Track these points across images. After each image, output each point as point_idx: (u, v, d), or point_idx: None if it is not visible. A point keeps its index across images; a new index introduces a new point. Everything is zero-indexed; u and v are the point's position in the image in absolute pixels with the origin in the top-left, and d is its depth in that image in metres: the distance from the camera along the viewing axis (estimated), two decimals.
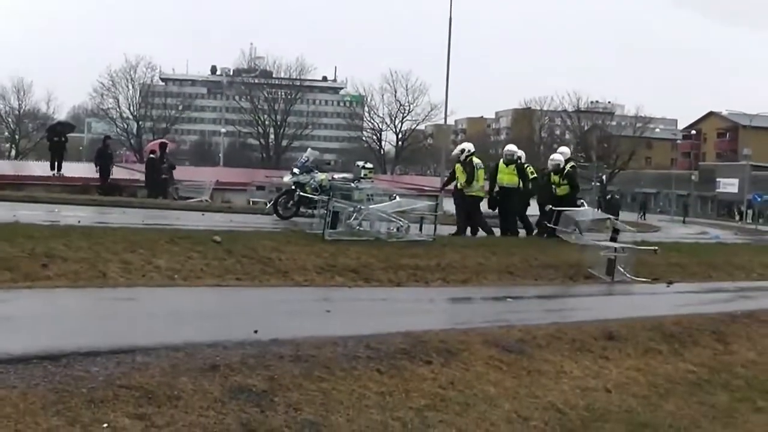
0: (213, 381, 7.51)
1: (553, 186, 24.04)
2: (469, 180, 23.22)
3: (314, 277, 14.89)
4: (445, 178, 27.97)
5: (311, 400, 7.71)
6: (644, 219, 65.93)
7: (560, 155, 25.03)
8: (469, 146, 24.46)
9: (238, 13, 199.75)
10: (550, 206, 22.95)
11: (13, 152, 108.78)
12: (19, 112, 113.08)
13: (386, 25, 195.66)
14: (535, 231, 24.56)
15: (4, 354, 7.36)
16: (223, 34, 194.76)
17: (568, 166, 24.30)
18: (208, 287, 13.05)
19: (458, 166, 23.94)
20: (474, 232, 23.51)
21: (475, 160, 23.72)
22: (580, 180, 27.14)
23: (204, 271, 13.88)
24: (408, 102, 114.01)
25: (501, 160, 25.20)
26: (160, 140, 51.53)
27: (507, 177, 24.22)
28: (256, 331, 9.27)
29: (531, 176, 24.74)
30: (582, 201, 26.08)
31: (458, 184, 23.62)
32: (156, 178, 36.06)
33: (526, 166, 24.92)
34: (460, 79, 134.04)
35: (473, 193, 23.50)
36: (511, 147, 25.56)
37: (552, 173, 24.34)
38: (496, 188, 24.34)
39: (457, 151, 24.91)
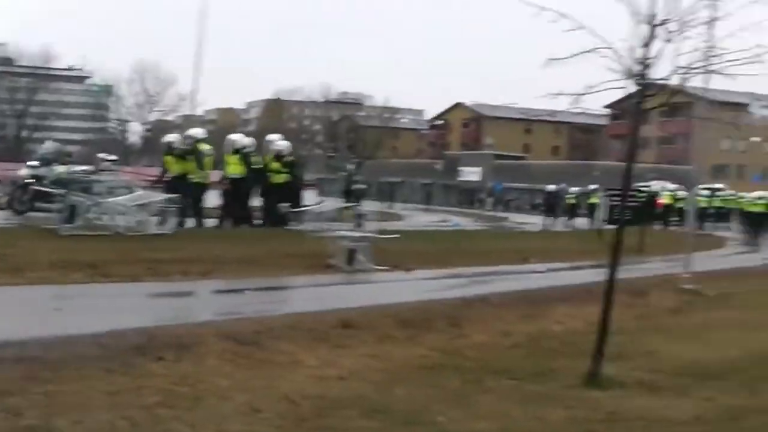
0: None
1: (270, 173, 23.89)
2: (199, 167, 22.99)
3: (49, 274, 14.45)
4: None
5: (34, 404, 7.46)
6: (391, 208, 67.23)
7: (283, 142, 25.17)
8: (197, 132, 24.26)
9: None
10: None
11: None
12: None
13: (136, 12, 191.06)
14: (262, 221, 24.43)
15: None
16: None
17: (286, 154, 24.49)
18: None
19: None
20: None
21: (204, 146, 23.47)
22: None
23: None
24: (156, 92, 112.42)
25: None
26: None
27: (231, 167, 24.04)
28: None
29: (255, 166, 24.46)
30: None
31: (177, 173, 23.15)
32: None
33: (253, 155, 24.74)
34: (211, 68, 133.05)
35: (197, 180, 23.22)
36: (233, 136, 25.37)
37: (272, 160, 24.25)
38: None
39: (173, 137, 24.57)
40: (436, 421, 8.78)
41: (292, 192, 23.82)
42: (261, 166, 24.72)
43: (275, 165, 23.89)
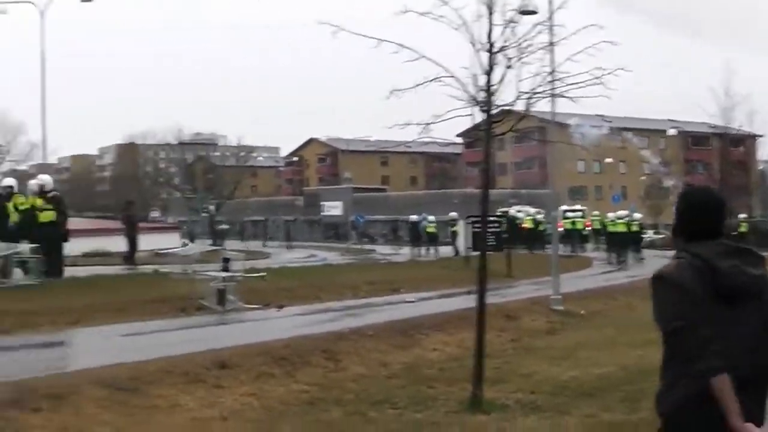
0: None
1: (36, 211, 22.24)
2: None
3: None
4: None
5: None
6: (265, 246, 66.89)
7: (47, 176, 24.43)
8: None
9: None
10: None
11: None
12: None
13: None
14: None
15: None
16: None
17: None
18: None
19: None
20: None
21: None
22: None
23: None
24: (6, 142, 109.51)
25: None
26: None
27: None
28: None
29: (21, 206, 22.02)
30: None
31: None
32: None
33: (14, 195, 22.24)
34: (61, 115, 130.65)
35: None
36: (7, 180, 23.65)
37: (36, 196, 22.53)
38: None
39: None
40: None
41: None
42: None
43: (39, 201, 22.22)
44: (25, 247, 20.19)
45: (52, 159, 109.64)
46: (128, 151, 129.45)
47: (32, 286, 18.81)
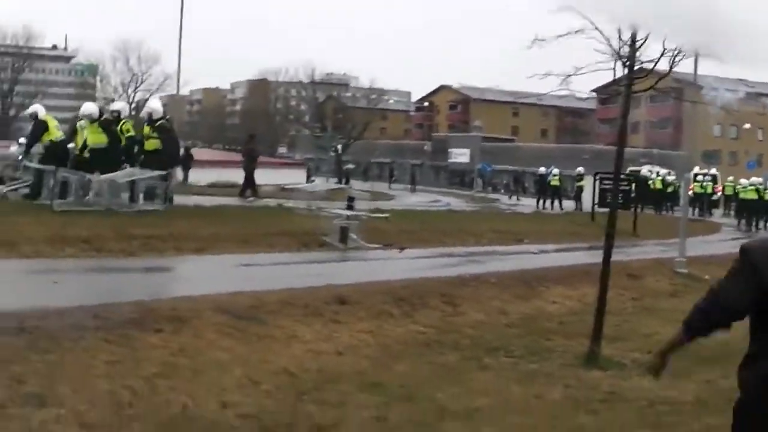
0: None
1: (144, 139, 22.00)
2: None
3: (43, 249, 14.43)
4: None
5: (36, 372, 7.45)
6: (390, 188, 67.14)
7: (156, 104, 24.32)
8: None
9: None
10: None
11: None
12: None
13: None
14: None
15: None
16: None
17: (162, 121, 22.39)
18: None
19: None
20: None
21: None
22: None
23: None
24: (141, 71, 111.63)
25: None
26: None
27: (92, 136, 21.18)
28: None
29: (127, 134, 21.75)
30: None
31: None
32: None
33: (123, 122, 21.86)
34: (196, 48, 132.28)
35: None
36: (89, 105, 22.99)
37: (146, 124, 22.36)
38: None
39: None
40: (435, 398, 8.81)
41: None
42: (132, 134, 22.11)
43: (147, 129, 21.95)
44: (152, 173, 20.49)
45: (185, 91, 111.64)
46: (260, 86, 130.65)
47: (157, 212, 19.14)
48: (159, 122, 21.72)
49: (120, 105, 22.78)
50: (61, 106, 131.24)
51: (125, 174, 19.91)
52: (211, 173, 43.58)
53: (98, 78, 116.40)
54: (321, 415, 7.85)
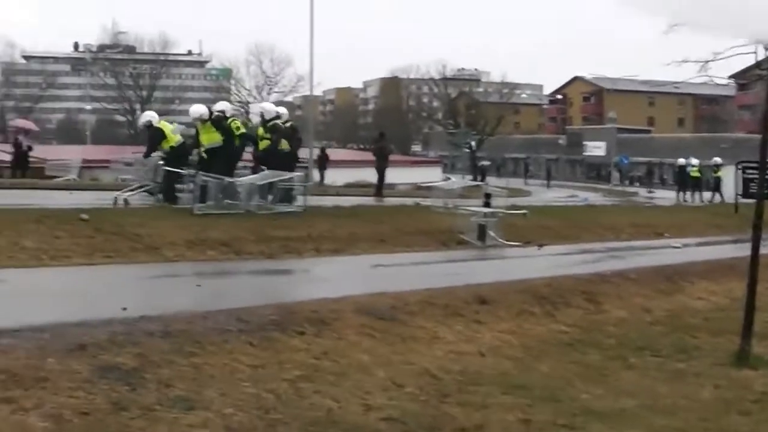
0: (81, 361, 7.29)
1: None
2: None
3: (185, 252, 14.73)
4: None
5: (183, 375, 7.55)
6: (526, 183, 66.76)
7: (269, 105, 24.10)
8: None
9: None
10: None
11: None
12: None
13: None
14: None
15: None
16: (83, 10, 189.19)
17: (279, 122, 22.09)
18: (77, 266, 12.81)
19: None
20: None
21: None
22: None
23: (72, 250, 13.67)
24: (274, 74, 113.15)
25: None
26: (26, 120, 50.46)
27: (206, 136, 20.91)
28: (124, 309, 9.08)
29: (238, 131, 21.42)
30: None
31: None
32: (21, 157, 35.43)
33: (230, 119, 21.45)
34: (327, 49, 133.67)
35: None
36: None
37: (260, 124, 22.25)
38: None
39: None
40: (580, 398, 8.65)
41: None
42: (244, 132, 21.96)
43: (260, 130, 21.88)
44: (289, 175, 20.66)
45: (318, 91, 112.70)
46: (391, 85, 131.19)
47: (294, 214, 19.29)
48: (271, 122, 21.67)
49: (223, 105, 22.33)
50: None
51: (262, 176, 20.11)
52: (346, 173, 43.96)
53: (233, 82, 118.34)
54: (465, 417, 7.77)
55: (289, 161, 21.68)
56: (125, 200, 19.69)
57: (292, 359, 8.55)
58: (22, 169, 35.30)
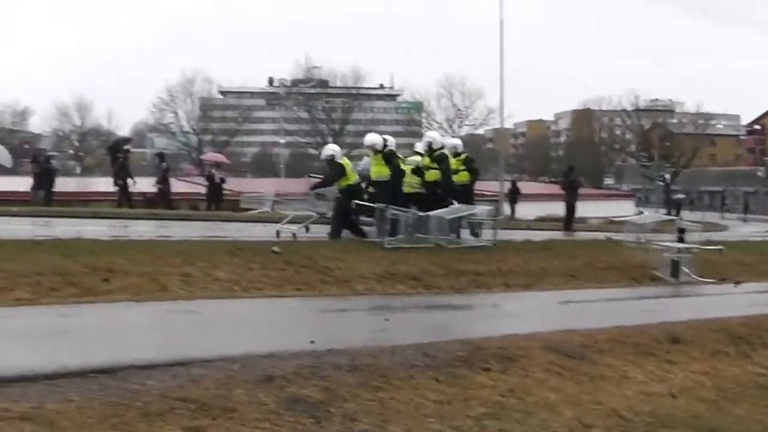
0: (268, 392, 7.42)
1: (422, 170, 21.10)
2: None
3: (374, 285, 14.90)
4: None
5: (368, 410, 7.61)
6: (722, 218, 65.00)
7: (434, 133, 23.45)
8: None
9: (291, 24, 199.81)
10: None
11: (78, 169, 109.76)
12: (81, 129, 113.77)
13: (439, 30, 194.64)
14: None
15: (61, 368, 7.39)
16: (277, 45, 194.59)
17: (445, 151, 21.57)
18: (268, 298, 13.08)
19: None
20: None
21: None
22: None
23: (264, 282, 13.96)
24: (465, 106, 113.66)
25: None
26: (217, 154, 52.05)
27: (375, 168, 20.89)
28: (312, 342, 9.21)
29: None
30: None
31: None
32: (215, 189, 36.69)
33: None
34: (518, 81, 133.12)
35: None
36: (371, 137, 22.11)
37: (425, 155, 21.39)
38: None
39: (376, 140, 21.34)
40: None
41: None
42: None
43: (426, 160, 21.06)
44: (480, 209, 20.66)
45: (509, 124, 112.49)
46: (583, 116, 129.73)
47: (484, 248, 19.23)
48: (438, 152, 21.14)
49: (378, 138, 21.99)
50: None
51: (452, 210, 20.14)
52: (537, 207, 43.66)
53: (423, 115, 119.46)
54: None
55: (465, 194, 21.56)
56: (293, 234, 19.57)
57: (478, 396, 8.50)
58: (216, 201, 36.50)
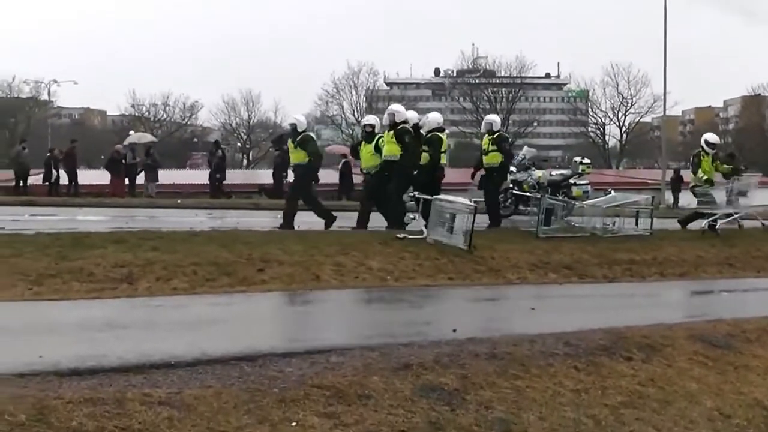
0: (404, 380, 7.61)
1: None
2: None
3: (527, 275, 14.92)
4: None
5: (503, 397, 7.73)
6: None
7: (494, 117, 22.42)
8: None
9: (457, 14, 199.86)
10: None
11: (245, 162, 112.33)
12: (249, 123, 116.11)
13: (604, 17, 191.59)
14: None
15: (203, 355, 7.77)
16: (444, 36, 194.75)
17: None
18: (419, 287, 13.23)
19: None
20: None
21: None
22: None
23: (416, 272, 14.07)
24: (630, 95, 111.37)
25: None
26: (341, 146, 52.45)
27: (386, 147, 18.99)
28: (454, 330, 9.39)
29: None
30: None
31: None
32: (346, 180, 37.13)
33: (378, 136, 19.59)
34: (687, 68, 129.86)
35: None
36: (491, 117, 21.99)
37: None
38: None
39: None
40: None
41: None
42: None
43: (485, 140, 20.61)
44: (635, 198, 20.45)
45: (676, 111, 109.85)
46: (753, 103, 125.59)
47: (641, 237, 19.02)
48: (496, 134, 20.82)
49: (371, 119, 20.39)
50: (553, 132, 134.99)
51: (607, 199, 20.03)
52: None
53: (588, 103, 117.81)
54: None
55: (500, 175, 21.12)
56: None
57: (617, 385, 8.53)
58: (347, 192, 36.63)
